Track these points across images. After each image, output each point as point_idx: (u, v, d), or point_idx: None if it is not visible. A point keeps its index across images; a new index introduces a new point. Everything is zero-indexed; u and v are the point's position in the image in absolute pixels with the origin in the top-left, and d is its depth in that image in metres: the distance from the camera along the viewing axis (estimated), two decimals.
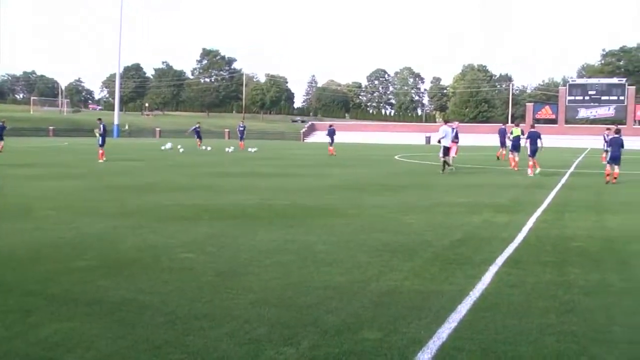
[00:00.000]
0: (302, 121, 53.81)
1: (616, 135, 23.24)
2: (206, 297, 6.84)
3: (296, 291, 7.14)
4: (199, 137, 52.18)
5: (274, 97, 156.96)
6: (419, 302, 6.76)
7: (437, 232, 11.29)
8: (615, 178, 22.54)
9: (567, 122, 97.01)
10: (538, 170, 25.96)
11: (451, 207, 15.12)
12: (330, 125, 48.40)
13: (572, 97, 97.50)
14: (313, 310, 6.38)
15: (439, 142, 27.41)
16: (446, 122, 30.32)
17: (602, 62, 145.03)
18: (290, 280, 7.66)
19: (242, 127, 55.11)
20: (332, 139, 46.02)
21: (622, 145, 22.90)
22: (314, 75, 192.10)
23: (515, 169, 28.83)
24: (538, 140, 26.15)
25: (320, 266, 8.42)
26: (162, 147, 46.75)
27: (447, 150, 26.96)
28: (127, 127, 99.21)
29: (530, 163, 26.20)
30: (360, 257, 9.05)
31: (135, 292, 7.04)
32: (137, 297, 6.84)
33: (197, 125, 54.04)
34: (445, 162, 26.87)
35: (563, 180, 23.53)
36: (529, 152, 26.39)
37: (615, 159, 22.68)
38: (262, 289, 7.24)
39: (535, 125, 32.66)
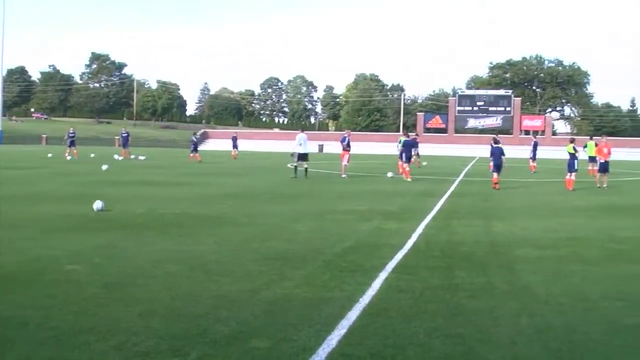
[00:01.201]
0: (194, 133, 53.01)
1: (496, 145, 24.97)
2: (92, 310, 6.65)
3: (185, 301, 7.06)
4: (72, 144, 47.86)
5: (166, 104, 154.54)
6: (309, 309, 6.81)
7: (328, 240, 11.41)
8: (496, 184, 24.12)
9: (456, 131, 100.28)
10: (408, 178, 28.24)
11: (342, 214, 15.32)
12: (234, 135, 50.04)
13: (462, 108, 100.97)
14: (202, 321, 6.32)
15: (293, 155, 28.89)
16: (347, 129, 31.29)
17: (490, 74, 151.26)
18: (180, 290, 7.56)
19: (125, 134, 53.13)
20: (236, 146, 49.10)
21: (502, 154, 24.73)
22: (206, 83, 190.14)
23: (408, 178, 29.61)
24: (412, 149, 28.44)
25: (211, 276, 8.35)
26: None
27: (303, 157, 28.49)
28: None
29: (407, 169, 28.90)
30: (251, 265, 9.02)
31: (15, 308, 6.73)
32: (17, 313, 6.54)
33: (70, 131, 49.45)
34: (297, 168, 28.62)
35: (452, 188, 24.30)
36: (403, 159, 28.84)
37: (497, 167, 24.53)
38: (151, 300, 7.11)
39: (414, 134, 34.41)
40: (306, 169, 28.62)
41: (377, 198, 19.72)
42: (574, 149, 25.66)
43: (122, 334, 5.86)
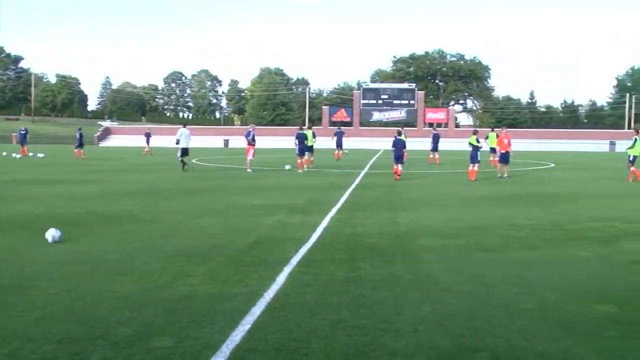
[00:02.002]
0: (79, 129, 51.46)
1: (398, 137, 26.07)
2: None
3: (86, 303, 6.88)
4: None
5: (66, 99, 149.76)
6: (213, 306, 6.75)
7: (232, 235, 11.36)
8: (398, 175, 25.19)
9: (361, 124, 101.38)
10: (305, 168, 30.37)
11: (247, 209, 15.27)
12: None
13: (366, 101, 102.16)
14: (103, 322, 6.18)
15: (177, 143, 30.58)
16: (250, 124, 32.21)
17: (394, 68, 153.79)
18: (80, 292, 7.36)
19: (23, 130, 51.18)
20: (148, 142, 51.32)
21: (404, 147, 25.83)
22: (108, 77, 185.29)
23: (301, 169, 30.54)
24: (305, 141, 30.64)
25: (113, 275, 8.17)
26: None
27: (184, 151, 30.15)
28: None
29: (299, 161, 30.59)
30: (154, 263, 8.87)
31: None
32: None
33: None
34: (183, 162, 29.95)
35: (357, 181, 24.58)
36: (297, 151, 30.68)
37: (397, 159, 25.62)
38: (49, 303, 6.88)
39: (304, 127, 35.63)
40: (182, 161, 30.10)
41: (282, 192, 19.73)
42: (477, 140, 26.41)
43: (17, 341, 5.66)
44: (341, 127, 50.57)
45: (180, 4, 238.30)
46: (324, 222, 13.03)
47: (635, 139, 26.52)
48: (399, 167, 25.67)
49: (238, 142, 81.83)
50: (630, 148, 26.68)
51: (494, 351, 5.55)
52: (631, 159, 26.28)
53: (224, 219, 13.63)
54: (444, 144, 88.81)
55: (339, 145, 44.82)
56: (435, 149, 40.40)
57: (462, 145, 35.19)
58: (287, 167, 31.75)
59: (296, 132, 32.36)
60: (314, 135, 34.27)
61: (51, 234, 10.51)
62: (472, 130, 29.75)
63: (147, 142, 54.37)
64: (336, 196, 18.24)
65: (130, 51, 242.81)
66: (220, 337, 5.75)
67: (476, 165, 25.81)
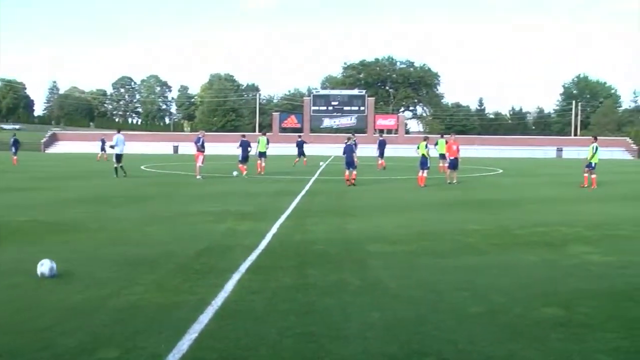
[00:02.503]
0: (14, 134, 50.38)
1: (348, 143, 26.50)
2: None
3: (29, 315, 6.73)
4: None
5: (11, 104, 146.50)
6: (160, 315, 6.67)
7: (181, 243, 11.26)
8: (353, 180, 25.68)
9: (312, 130, 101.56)
10: (245, 174, 31.04)
11: (196, 216, 15.15)
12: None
13: (317, 107, 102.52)
14: (47, 334, 6.06)
15: (112, 147, 31.34)
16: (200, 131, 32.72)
17: (344, 74, 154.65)
18: (23, 303, 7.21)
19: None
20: (104, 148, 50.23)
21: (352, 151, 26.21)
22: (55, 82, 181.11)
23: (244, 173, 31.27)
24: (248, 148, 31.71)
25: (58, 285, 8.02)
26: None
27: (118, 157, 30.70)
28: None
29: (241, 166, 31.66)
30: (101, 272, 8.74)
31: None
32: None
33: None
34: (116, 169, 30.50)
35: (307, 187, 24.59)
36: (240, 158, 31.69)
37: (349, 164, 26.00)
38: None
39: (245, 134, 36.73)
40: (122, 167, 30.75)
41: (232, 199, 19.63)
42: (426, 147, 26.70)
43: None
44: (301, 135, 50.76)
45: (129, 8, 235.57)
46: (274, 229, 13.00)
47: (594, 147, 27.01)
48: (353, 172, 26.03)
49: (188, 148, 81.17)
50: (590, 156, 26.90)
51: (441, 356, 5.60)
52: (593, 165, 26.75)
53: (173, 226, 13.49)
54: (395, 151, 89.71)
55: (301, 153, 45.15)
56: (381, 155, 40.96)
57: (412, 151, 35.43)
58: (235, 173, 31.64)
59: (240, 139, 33.25)
60: (267, 142, 34.93)
61: (45, 269, 8.44)
62: (422, 136, 30.03)
63: (103, 148, 53.74)
64: (286, 203, 18.22)
65: (78, 56, 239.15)
66: (167, 346, 5.69)
67: (425, 171, 26.07)
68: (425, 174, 26.00)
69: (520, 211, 17.18)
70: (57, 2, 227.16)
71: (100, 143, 55.26)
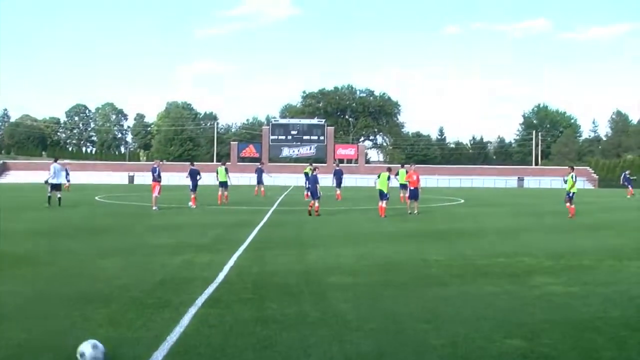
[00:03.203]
0: None
1: (313, 174, 27.44)
2: None
3: None
4: None
5: None
6: (112, 351, 6.52)
7: (136, 276, 11.09)
8: (317, 211, 25.94)
9: (271, 160, 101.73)
10: (193, 205, 31.00)
11: (152, 248, 14.98)
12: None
13: (275, 137, 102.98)
14: None
15: (47, 182, 31.57)
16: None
17: (303, 103, 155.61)
18: None
19: None
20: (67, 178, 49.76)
21: (317, 182, 26.71)
22: (6, 109, 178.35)
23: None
24: (197, 176, 32.00)
25: (5, 322, 7.80)
26: None
27: (56, 186, 31.22)
28: None
29: (193, 196, 31.53)
30: (52, 308, 8.54)
31: None
32: None
33: None
34: (50, 197, 30.69)
35: (266, 218, 24.50)
36: (190, 187, 32.01)
37: (313, 194, 26.55)
38: None
39: (195, 163, 36.94)
40: (59, 198, 30.89)
41: (190, 230, 19.47)
42: (389, 178, 26.89)
43: None
44: (262, 164, 50.48)
45: (81, 33, 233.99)
46: (232, 261, 12.88)
47: (572, 176, 27.59)
48: (317, 202, 26.26)
49: (144, 178, 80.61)
50: (570, 186, 27.48)
51: None
52: (571, 195, 27.25)
53: (127, 259, 13.29)
54: (356, 181, 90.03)
55: (260, 181, 44.92)
56: (338, 185, 40.98)
57: (372, 181, 35.60)
58: (190, 204, 31.38)
59: (189, 168, 33.23)
60: (227, 171, 35.14)
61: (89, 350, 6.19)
62: (385, 167, 30.29)
63: (66, 177, 53.33)
64: (245, 234, 18.12)
65: (30, 83, 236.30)
66: None
67: (385, 201, 26.17)
68: (385, 204, 26.10)
69: (482, 241, 17.31)
70: (4, 27, 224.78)
71: (64, 173, 54.76)
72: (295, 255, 14.17)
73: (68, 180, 53.19)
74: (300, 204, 33.06)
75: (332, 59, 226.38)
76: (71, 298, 9.21)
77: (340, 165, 50.07)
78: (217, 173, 36.24)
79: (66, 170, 53.73)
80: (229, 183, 36.72)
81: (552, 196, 51.27)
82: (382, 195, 26.26)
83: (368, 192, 49.47)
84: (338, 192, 40.64)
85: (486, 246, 16.18)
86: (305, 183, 37.97)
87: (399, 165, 39.15)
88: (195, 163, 36.32)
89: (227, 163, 43.68)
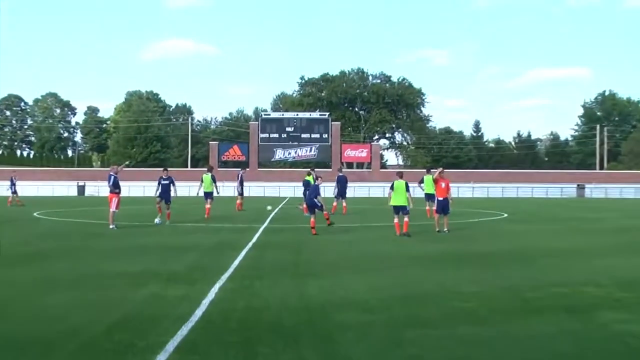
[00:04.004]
0: None
1: (316, 184, 27.70)
2: None
3: None
4: None
5: None
6: None
7: (88, 315, 11.07)
8: (313, 228, 26.26)
9: (261, 165, 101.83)
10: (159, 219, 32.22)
11: (109, 278, 14.98)
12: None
13: (266, 135, 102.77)
14: None
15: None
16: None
17: (301, 92, 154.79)
18: None
19: None
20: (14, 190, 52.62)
21: (318, 194, 27.00)
22: None
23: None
24: (171, 187, 32.70)
25: None
26: None
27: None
28: None
29: (168, 211, 32.80)
30: None
31: None
32: None
33: None
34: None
35: (255, 238, 24.50)
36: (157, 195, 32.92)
37: (311, 207, 27.04)
38: None
39: (168, 169, 37.13)
40: None
41: (158, 255, 19.47)
42: (407, 188, 26.38)
43: None
44: (246, 169, 50.89)
45: (13, 2, 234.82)
46: (211, 294, 12.88)
47: None
48: (312, 218, 26.56)
49: (98, 188, 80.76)
50: None
51: None
52: None
53: (77, 292, 13.28)
54: (367, 190, 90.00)
55: (241, 192, 45.45)
56: (341, 195, 40.80)
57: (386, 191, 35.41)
58: (157, 220, 31.47)
59: (159, 177, 33.67)
60: (214, 180, 35.45)
61: None
62: (396, 172, 30.06)
63: (11, 188, 53.52)
64: (228, 259, 18.11)
65: None
66: None
67: (407, 216, 26.09)
68: (401, 220, 26.02)
69: (532, 267, 17.28)
70: None
71: (10, 183, 54.75)
72: (292, 286, 14.15)
73: (14, 192, 53.34)
74: (298, 220, 33.02)
75: (338, 36, 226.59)
76: (1, 346, 9.18)
77: (344, 170, 50.02)
78: (202, 182, 36.49)
79: (11, 180, 53.92)
80: (214, 193, 36.96)
81: (622, 209, 51.17)
82: (400, 210, 26.07)
83: (384, 203, 49.49)
84: (343, 204, 40.56)
85: (537, 273, 16.15)
86: (305, 194, 37.92)
87: (424, 170, 39.11)
88: (168, 169, 36.24)
89: (216, 170, 43.95)
